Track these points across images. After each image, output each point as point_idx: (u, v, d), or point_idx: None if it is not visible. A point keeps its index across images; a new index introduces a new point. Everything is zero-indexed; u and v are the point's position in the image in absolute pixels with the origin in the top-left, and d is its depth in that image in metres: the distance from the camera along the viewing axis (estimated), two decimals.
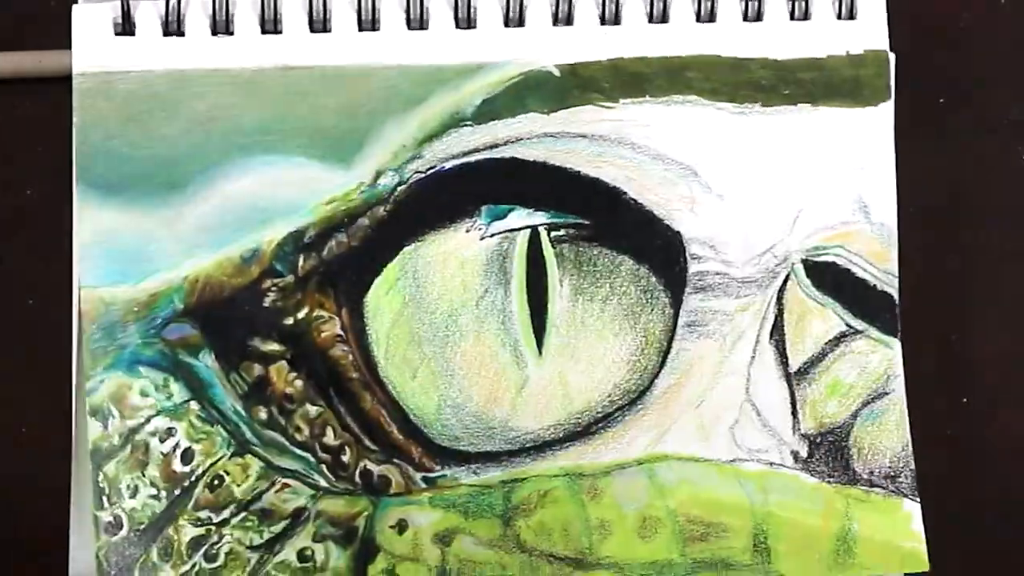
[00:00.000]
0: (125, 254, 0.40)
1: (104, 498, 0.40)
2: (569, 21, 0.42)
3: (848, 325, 0.43)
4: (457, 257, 0.42)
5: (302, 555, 0.41)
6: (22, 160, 0.43)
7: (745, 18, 0.43)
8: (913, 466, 0.43)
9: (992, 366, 0.46)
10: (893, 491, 0.43)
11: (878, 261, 0.43)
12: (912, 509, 0.43)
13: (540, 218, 0.42)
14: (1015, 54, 0.46)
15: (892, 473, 0.43)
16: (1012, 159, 0.46)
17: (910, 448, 0.43)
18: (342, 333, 0.41)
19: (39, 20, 0.43)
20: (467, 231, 0.42)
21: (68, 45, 0.41)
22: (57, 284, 0.42)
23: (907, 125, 0.44)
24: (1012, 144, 0.46)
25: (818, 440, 0.43)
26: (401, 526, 0.41)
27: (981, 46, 0.46)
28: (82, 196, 0.40)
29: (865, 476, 0.43)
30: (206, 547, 0.40)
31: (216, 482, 0.40)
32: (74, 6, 0.41)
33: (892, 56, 0.43)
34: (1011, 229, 0.46)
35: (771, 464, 0.42)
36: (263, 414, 0.41)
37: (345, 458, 0.41)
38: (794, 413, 0.43)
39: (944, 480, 0.45)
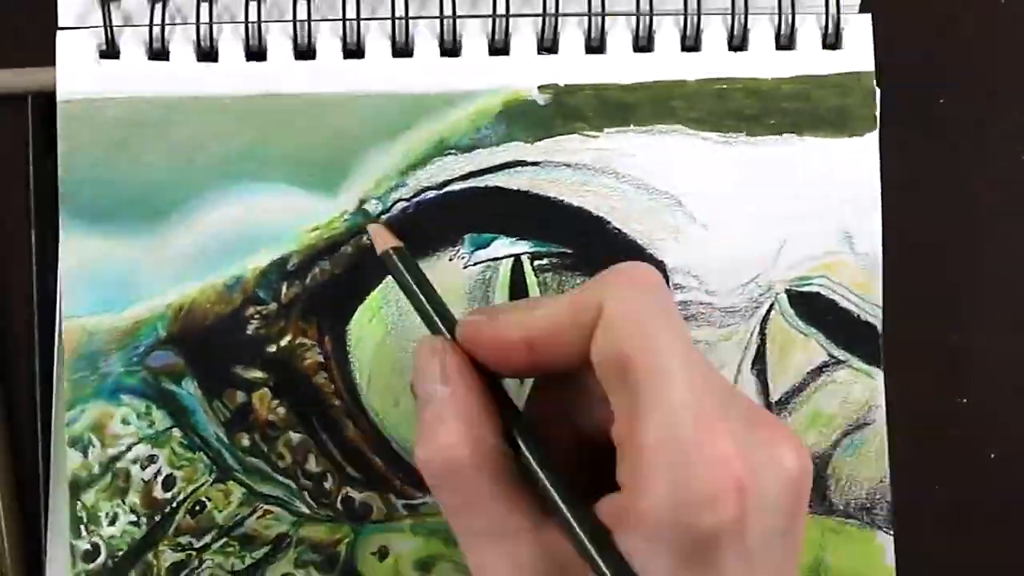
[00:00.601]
0: (109, 282, 0.41)
1: (82, 527, 0.41)
2: (554, 49, 0.43)
3: (831, 355, 0.43)
4: (440, 285, 0.41)
5: None
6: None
7: (730, 47, 0.43)
8: (889, 498, 0.43)
9: (992, 366, 0.46)
10: (868, 523, 0.43)
11: (862, 292, 0.43)
12: (885, 542, 0.43)
13: (523, 247, 0.43)
14: (1015, 54, 0.47)
15: (868, 505, 0.43)
16: (1012, 159, 0.47)
17: (888, 480, 0.43)
18: (325, 361, 0.42)
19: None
20: (450, 259, 0.42)
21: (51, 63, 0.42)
22: (30, 310, 0.43)
23: (907, 125, 0.45)
24: (1012, 144, 0.47)
25: None
26: (382, 553, 0.42)
27: (980, 46, 0.47)
28: (67, 225, 0.41)
29: (841, 507, 0.43)
30: (186, 572, 0.41)
31: (198, 508, 0.41)
32: (59, 32, 0.42)
33: (878, 91, 0.44)
34: (1011, 229, 0.47)
35: None
36: (246, 441, 0.42)
37: (327, 485, 0.42)
38: None
39: (944, 479, 0.46)
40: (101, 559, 0.41)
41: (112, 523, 0.41)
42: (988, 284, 0.46)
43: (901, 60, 0.44)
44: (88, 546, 0.41)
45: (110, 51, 0.42)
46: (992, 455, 0.46)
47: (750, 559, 0.30)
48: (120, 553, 0.41)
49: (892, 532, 0.43)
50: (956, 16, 0.47)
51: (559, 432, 0.35)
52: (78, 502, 0.41)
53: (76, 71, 0.42)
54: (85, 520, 0.41)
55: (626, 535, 0.31)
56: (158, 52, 0.42)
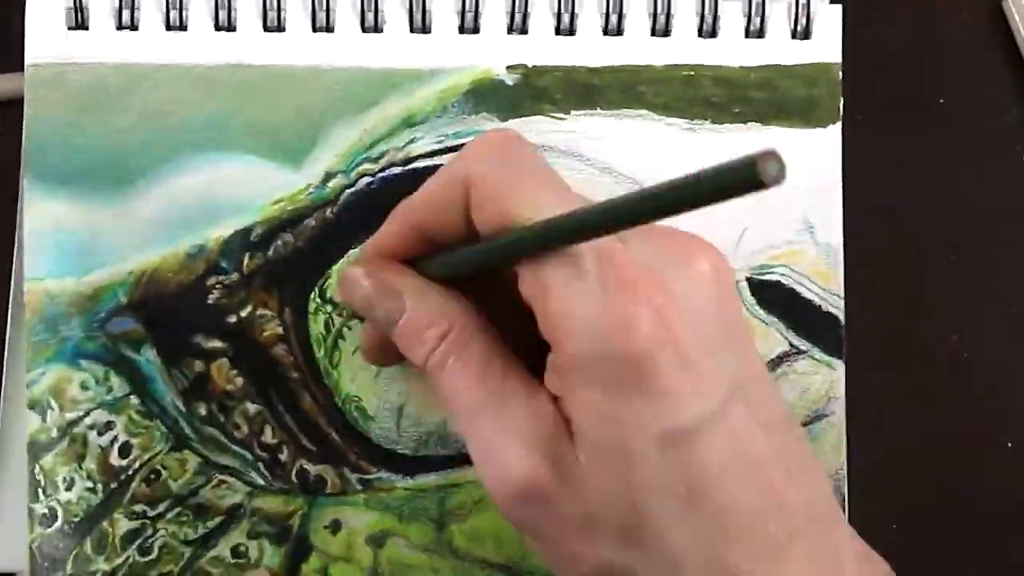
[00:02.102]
0: (71, 247, 0.43)
1: (40, 490, 0.43)
2: (524, 30, 0.45)
3: (791, 345, 0.45)
4: None
5: (236, 551, 0.43)
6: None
7: (700, 34, 0.45)
8: (845, 491, 0.45)
9: (992, 366, 0.48)
10: None
11: (823, 281, 0.45)
12: None
13: None
14: (1016, 54, 0.49)
15: None
16: (1013, 159, 0.49)
17: (844, 472, 0.45)
18: (284, 333, 0.44)
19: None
20: None
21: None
22: None
23: (906, 124, 0.47)
24: (1012, 144, 0.49)
25: None
26: (335, 526, 0.44)
27: (980, 46, 0.49)
28: (30, 187, 0.43)
29: None
30: (140, 540, 0.43)
31: (153, 476, 0.43)
32: None
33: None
34: (1012, 229, 0.49)
35: None
36: (202, 410, 0.43)
37: (282, 457, 0.44)
38: None
39: (944, 480, 0.48)
40: (58, 524, 0.43)
41: (69, 488, 0.43)
42: (988, 284, 0.49)
43: (902, 59, 0.46)
44: (45, 510, 0.43)
45: (79, 19, 0.43)
46: (991, 455, 0.48)
47: (694, 366, 0.32)
48: (76, 519, 0.43)
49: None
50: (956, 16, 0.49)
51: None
52: (36, 465, 0.43)
53: (44, 37, 0.43)
54: (43, 484, 0.43)
55: (564, 385, 0.33)
56: (127, 22, 0.44)
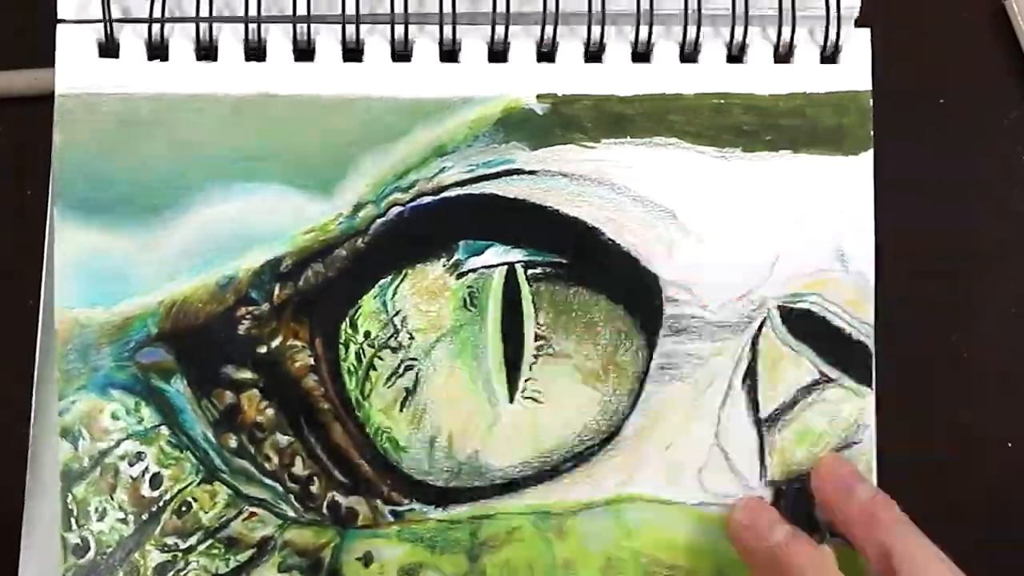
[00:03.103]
0: (102, 276, 0.44)
1: (72, 519, 0.43)
2: (552, 58, 0.46)
3: (821, 373, 0.46)
4: (433, 291, 0.45)
5: None
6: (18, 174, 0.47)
7: (728, 58, 0.46)
8: None
9: (992, 366, 0.49)
10: None
11: (854, 310, 0.46)
12: None
13: (517, 255, 0.45)
14: (1016, 53, 0.50)
15: None
16: (1013, 159, 0.50)
17: None
18: (315, 363, 0.44)
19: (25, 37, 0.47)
20: (444, 266, 0.45)
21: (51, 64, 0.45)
22: (21, 303, 0.46)
23: (908, 125, 0.48)
24: (1013, 144, 0.50)
25: (784, 487, 0.46)
26: (367, 559, 0.44)
27: (981, 46, 0.50)
28: (61, 216, 0.43)
29: (827, 525, 0.46)
30: (172, 573, 0.44)
31: (184, 508, 0.44)
32: (59, 26, 0.44)
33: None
34: (1012, 229, 0.50)
35: None
36: (233, 442, 0.44)
37: (313, 489, 0.44)
38: (762, 459, 0.46)
39: (944, 480, 0.48)
40: (90, 555, 0.43)
41: (101, 519, 0.43)
42: (988, 284, 0.50)
43: (901, 58, 0.48)
44: (78, 540, 0.43)
45: (109, 48, 0.44)
46: (991, 455, 0.49)
47: None
48: (108, 550, 0.43)
49: None
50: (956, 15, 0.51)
51: None
52: (69, 494, 0.43)
53: (75, 66, 0.44)
54: (75, 513, 0.43)
55: None
56: (157, 51, 0.44)
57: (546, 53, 0.46)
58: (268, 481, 0.44)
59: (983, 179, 0.50)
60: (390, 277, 0.45)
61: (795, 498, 0.46)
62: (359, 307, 0.45)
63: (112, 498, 0.43)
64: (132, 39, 0.44)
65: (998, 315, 0.50)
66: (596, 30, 0.46)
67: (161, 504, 0.44)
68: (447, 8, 0.45)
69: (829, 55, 0.46)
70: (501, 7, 0.45)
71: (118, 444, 0.44)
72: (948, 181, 0.50)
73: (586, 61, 0.46)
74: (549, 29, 0.45)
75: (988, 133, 0.50)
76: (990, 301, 0.50)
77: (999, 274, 0.50)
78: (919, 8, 0.50)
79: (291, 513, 0.44)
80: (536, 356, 0.45)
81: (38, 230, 0.45)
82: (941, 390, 0.49)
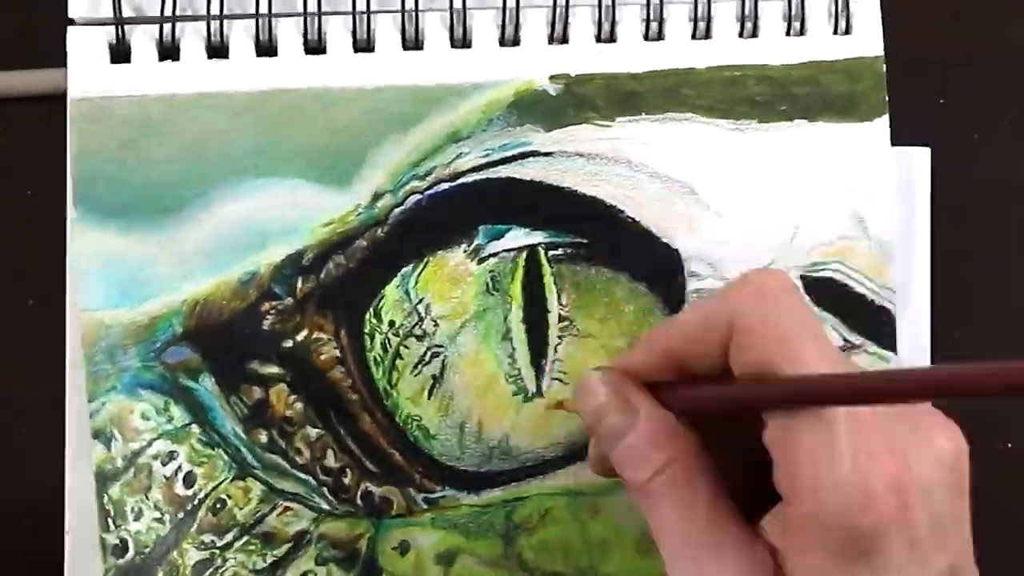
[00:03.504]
0: (124, 278, 0.44)
1: (110, 520, 0.43)
2: (564, 39, 0.46)
3: (846, 340, 0.46)
4: (455, 277, 0.45)
5: None
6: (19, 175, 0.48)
7: (741, 35, 0.47)
8: None
9: None
10: None
11: (876, 276, 0.47)
12: None
13: (538, 237, 0.45)
14: (1016, 53, 0.51)
15: None
16: (1012, 159, 0.50)
17: None
18: (341, 355, 0.45)
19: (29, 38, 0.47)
20: (464, 251, 0.45)
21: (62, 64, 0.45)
22: (21, 302, 0.47)
23: (908, 124, 0.48)
24: (1012, 145, 0.51)
25: None
26: (403, 547, 0.45)
27: (982, 46, 0.51)
28: (80, 220, 0.44)
29: None
30: (210, 571, 0.44)
31: (218, 505, 0.44)
32: (69, 28, 0.45)
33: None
34: (1011, 228, 0.50)
35: None
36: (263, 437, 0.44)
37: (346, 480, 0.45)
38: None
39: None
40: (130, 555, 0.43)
41: (137, 519, 0.44)
42: (989, 284, 0.50)
43: (903, 60, 0.48)
44: (117, 541, 0.43)
45: (121, 51, 0.45)
46: (991, 454, 0.49)
47: (919, 546, 0.33)
48: (147, 550, 0.44)
49: None
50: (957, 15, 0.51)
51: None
52: (105, 495, 0.43)
53: (87, 71, 0.44)
54: (112, 514, 0.43)
55: (788, 540, 0.33)
56: (169, 51, 0.45)
57: (557, 36, 0.46)
58: (300, 475, 0.44)
59: (983, 179, 0.50)
60: (411, 265, 0.45)
61: None
62: (382, 297, 0.45)
63: (147, 498, 0.44)
64: (143, 40, 0.45)
65: (998, 315, 0.50)
66: (607, 10, 0.46)
67: (196, 502, 0.44)
68: None
69: (841, 26, 0.47)
70: None
71: (150, 444, 0.44)
72: (946, 179, 0.50)
73: (598, 41, 0.46)
74: (560, 11, 0.46)
75: (989, 134, 0.51)
76: (990, 301, 0.50)
77: (1000, 273, 0.50)
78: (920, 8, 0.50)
79: (325, 506, 0.45)
80: (561, 337, 0.45)
81: (39, 230, 0.45)
82: None
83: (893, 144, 0.47)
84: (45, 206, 0.46)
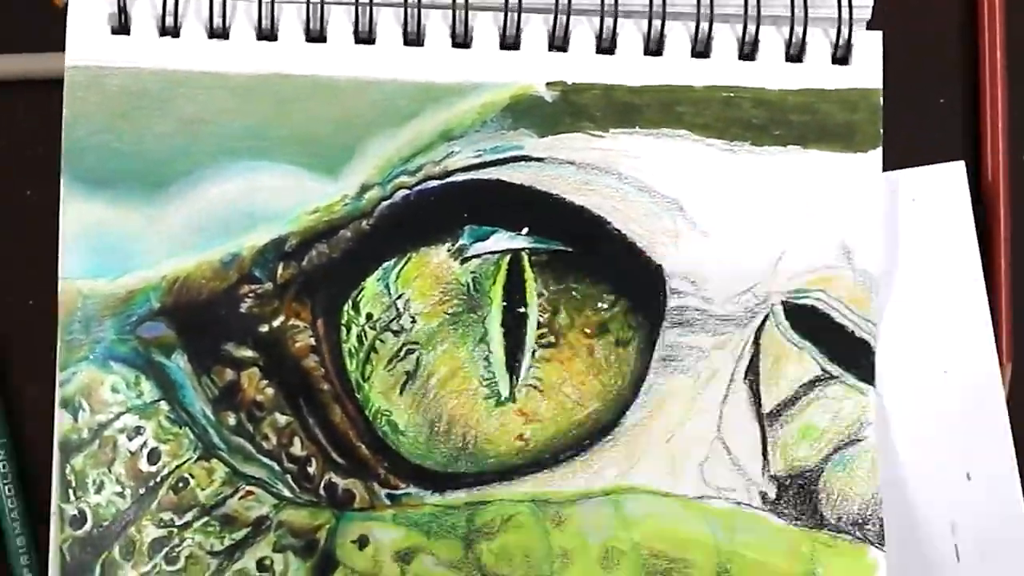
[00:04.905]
0: (106, 248, 0.44)
1: (70, 491, 0.44)
2: (564, 47, 0.47)
3: (824, 370, 0.47)
4: (436, 276, 0.46)
5: (261, 564, 0.45)
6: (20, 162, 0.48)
7: (740, 56, 0.47)
8: (882, 515, 0.46)
9: None
10: (860, 538, 0.46)
11: (858, 308, 0.47)
12: (878, 557, 0.46)
13: (522, 242, 0.46)
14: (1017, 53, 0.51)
15: (860, 520, 0.47)
16: (1011, 160, 0.51)
17: (880, 496, 0.46)
18: (316, 344, 0.45)
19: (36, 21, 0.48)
20: (448, 250, 0.46)
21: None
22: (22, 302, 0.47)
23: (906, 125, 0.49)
24: (1010, 145, 0.51)
25: (787, 482, 0.47)
26: (362, 541, 0.45)
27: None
28: (68, 188, 0.44)
29: (833, 521, 0.46)
30: (167, 549, 0.44)
31: (181, 484, 0.44)
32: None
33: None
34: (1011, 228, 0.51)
35: (738, 503, 0.46)
36: (231, 419, 0.45)
37: (311, 469, 0.45)
38: (764, 454, 0.47)
39: None
40: (87, 527, 0.44)
41: (98, 491, 0.44)
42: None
43: (904, 57, 0.49)
44: (75, 512, 0.44)
45: (122, 23, 0.45)
46: None
47: None
48: (105, 523, 0.44)
49: (884, 548, 0.46)
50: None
51: None
52: (67, 465, 0.44)
53: (85, 40, 0.45)
54: (73, 484, 0.44)
55: None
56: (169, 28, 0.45)
57: (558, 44, 0.47)
58: (265, 460, 0.45)
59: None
60: (394, 260, 0.46)
61: (797, 493, 0.47)
62: (362, 289, 0.45)
63: (110, 471, 0.44)
64: (145, 14, 0.45)
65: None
66: (608, 22, 0.47)
67: (159, 479, 0.44)
68: None
69: (840, 56, 0.47)
70: None
71: (118, 417, 0.44)
72: None
73: (597, 52, 0.47)
74: (562, 19, 0.46)
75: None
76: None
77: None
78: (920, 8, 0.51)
79: (287, 493, 0.45)
80: (538, 344, 0.46)
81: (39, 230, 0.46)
82: None
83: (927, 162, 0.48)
84: (45, 200, 0.46)
